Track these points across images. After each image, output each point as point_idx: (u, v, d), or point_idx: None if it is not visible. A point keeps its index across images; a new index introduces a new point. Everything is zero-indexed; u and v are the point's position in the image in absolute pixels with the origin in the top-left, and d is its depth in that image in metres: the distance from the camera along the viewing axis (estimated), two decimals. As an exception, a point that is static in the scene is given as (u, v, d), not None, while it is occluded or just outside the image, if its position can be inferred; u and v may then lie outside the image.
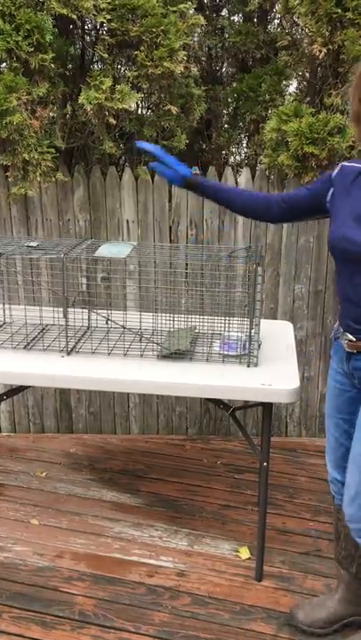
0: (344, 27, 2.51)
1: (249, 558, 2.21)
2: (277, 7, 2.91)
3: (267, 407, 1.93)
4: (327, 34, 2.51)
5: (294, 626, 1.91)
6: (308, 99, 2.83)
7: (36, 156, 2.55)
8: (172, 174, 1.82)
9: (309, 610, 1.92)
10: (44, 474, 2.73)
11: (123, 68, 2.83)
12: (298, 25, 2.82)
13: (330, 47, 2.53)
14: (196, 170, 1.92)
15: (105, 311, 2.34)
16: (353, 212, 1.54)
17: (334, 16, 2.48)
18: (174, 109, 2.66)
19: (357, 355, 1.59)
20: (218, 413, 3.04)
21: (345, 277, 1.58)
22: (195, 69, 2.89)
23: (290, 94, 3.10)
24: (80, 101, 2.53)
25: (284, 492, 2.63)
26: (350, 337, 1.59)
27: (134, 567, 2.18)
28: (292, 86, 3.16)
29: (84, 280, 2.74)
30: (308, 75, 2.91)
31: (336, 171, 1.65)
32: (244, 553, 2.24)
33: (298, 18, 2.59)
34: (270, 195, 1.79)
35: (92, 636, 1.89)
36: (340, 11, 2.46)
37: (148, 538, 2.33)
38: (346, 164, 1.64)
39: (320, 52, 2.52)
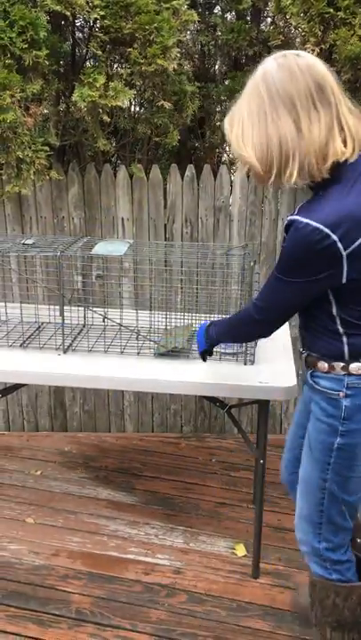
0: (336, 26, 2.52)
1: (245, 555, 2.22)
2: (270, 6, 2.92)
3: (263, 404, 1.93)
4: (320, 33, 2.51)
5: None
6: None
7: (30, 154, 2.54)
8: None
9: None
10: (38, 472, 2.72)
11: (116, 65, 2.82)
12: (291, 24, 2.83)
13: (322, 47, 2.54)
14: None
15: (101, 309, 2.33)
16: None
17: (326, 15, 2.49)
18: (167, 104, 2.66)
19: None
20: (213, 411, 3.04)
21: None
22: (188, 66, 2.89)
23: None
24: (74, 99, 2.51)
25: (279, 489, 2.62)
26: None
27: (131, 565, 2.18)
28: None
29: (80, 278, 2.73)
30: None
31: None
32: (241, 550, 2.25)
33: (290, 17, 2.60)
34: None
35: (88, 635, 1.89)
36: (332, 10, 2.47)
37: (144, 536, 2.33)
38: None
39: (313, 51, 2.52)
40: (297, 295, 1.38)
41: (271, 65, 1.29)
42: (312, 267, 1.31)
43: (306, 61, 1.28)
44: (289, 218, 1.33)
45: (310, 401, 1.55)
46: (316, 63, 1.29)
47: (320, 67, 1.29)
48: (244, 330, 1.58)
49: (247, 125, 1.30)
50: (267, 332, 1.52)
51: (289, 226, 1.33)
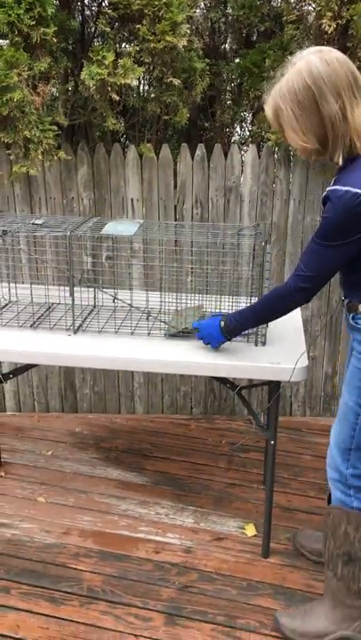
0: (352, 1, 2.46)
1: (255, 535, 2.23)
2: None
3: (274, 386, 1.93)
4: (336, 8, 2.46)
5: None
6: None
7: (38, 134, 2.51)
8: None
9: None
10: (49, 452, 2.74)
11: (124, 43, 2.78)
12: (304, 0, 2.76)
13: (339, 22, 2.48)
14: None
15: (111, 290, 2.33)
16: None
17: (343, -10, 2.43)
18: (177, 81, 2.61)
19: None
20: (222, 393, 3.04)
21: None
22: (198, 44, 2.83)
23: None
24: (82, 77, 2.48)
25: (290, 470, 2.64)
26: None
27: (141, 544, 2.19)
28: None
29: (89, 259, 2.72)
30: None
31: None
32: (250, 530, 2.26)
33: (305, -9, 2.54)
34: None
35: (100, 612, 1.91)
36: (349, -15, 2.41)
37: (155, 515, 2.34)
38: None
39: (329, 26, 2.47)
40: (340, 256, 1.55)
41: (313, 59, 1.46)
42: (354, 228, 1.48)
43: (340, 55, 1.48)
44: (328, 189, 1.50)
45: (353, 341, 1.68)
46: (346, 57, 1.48)
47: (349, 60, 1.49)
48: (282, 304, 1.70)
49: (300, 115, 1.48)
50: (309, 299, 1.66)
51: (327, 197, 1.49)
